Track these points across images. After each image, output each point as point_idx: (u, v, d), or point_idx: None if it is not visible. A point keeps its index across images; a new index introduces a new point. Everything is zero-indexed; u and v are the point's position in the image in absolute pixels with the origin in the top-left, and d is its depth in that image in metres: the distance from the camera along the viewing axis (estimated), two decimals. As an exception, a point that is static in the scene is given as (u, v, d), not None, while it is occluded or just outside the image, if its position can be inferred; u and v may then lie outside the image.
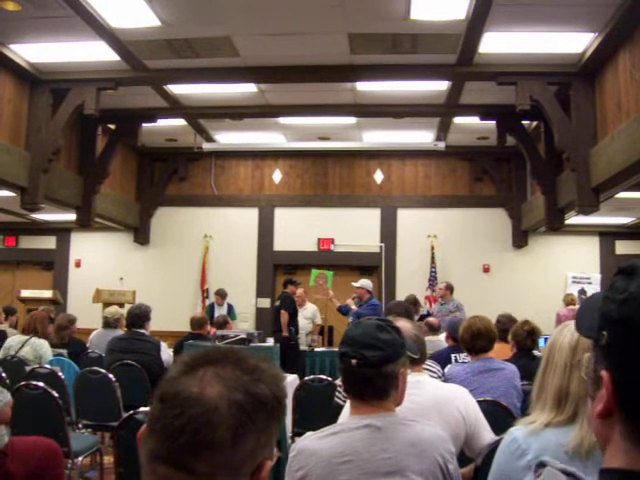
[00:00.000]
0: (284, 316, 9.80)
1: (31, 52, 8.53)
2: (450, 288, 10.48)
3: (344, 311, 9.82)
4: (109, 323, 7.81)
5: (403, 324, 3.12)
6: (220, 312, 11.05)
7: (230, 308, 11.64)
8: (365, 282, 9.71)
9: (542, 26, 7.45)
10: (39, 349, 6.45)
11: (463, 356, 5.39)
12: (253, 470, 1.09)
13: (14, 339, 6.60)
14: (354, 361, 2.20)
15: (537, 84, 8.63)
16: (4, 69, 8.67)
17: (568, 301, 11.05)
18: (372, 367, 2.21)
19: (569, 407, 1.82)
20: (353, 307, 9.50)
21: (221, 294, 11.70)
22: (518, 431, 1.89)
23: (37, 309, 8.77)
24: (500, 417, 3.64)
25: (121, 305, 10.35)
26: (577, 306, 10.98)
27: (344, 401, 3.05)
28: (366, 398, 2.24)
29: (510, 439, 1.88)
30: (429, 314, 9.75)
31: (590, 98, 8.60)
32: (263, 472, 1.10)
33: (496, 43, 7.93)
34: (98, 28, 7.60)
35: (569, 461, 1.64)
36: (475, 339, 4.30)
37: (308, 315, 10.72)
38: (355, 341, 2.24)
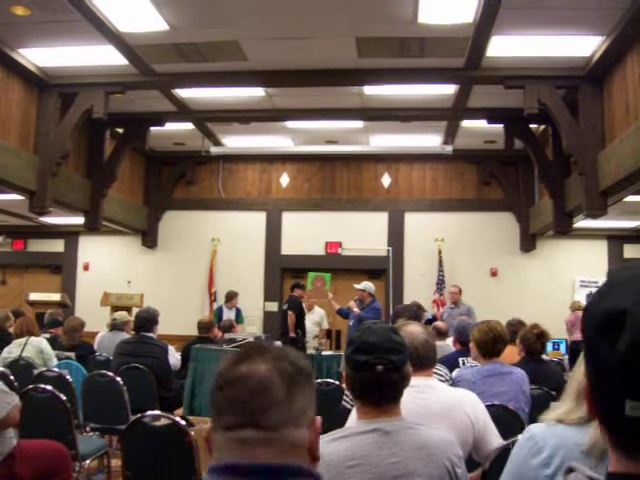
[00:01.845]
0: (291, 317, 9.81)
1: (40, 56, 8.57)
2: (461, 292, 10.51)
3: (344, 314, 9.79)
4: (116, 326, 7.84)
5: (414, 328, 3.12)
6: (228, 315, 11.06)
7: (238, 312, 11.64)
8: (367, 285, 9.62)
9: (550, 29, 7.44)
10: (39, 346, 6.55)
11: (471, 360, 5.38)
12: (308, 423, 1.38)
13: (12, 345, 6.63)
14: (380, 367, 2.18)
15: (545, 88, 8.62)
16: (13, 73, 8.71)
17: (575, 307, 11.02)
18: (397, 371, 2.21)
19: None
20: (355, 310, 9.43)
21: (230, 296, 11.66)
22: (536, 428, 1.87)
23: (45, 312, 8.85)
24: (508, 422, 3.63)
25: (129, 308, 10.39)
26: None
27: (352, 405, 3.05)
28: (382, 403, 2.23)
29: (527, 436, 1.87)
30: (434, 319, 9.74)
31: (598, 101, 8.58)
32: (316, 424, 1.40)
33: (504, 47, 7.92)
34: (106, 32, 7.63)
35: (585, 460, 1.63)
36: (496, 343, 4.29)
37: (316, 319, 10.71)
38: (375, 347, 2.22)
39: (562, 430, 1.79)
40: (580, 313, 10.87)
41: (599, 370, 0.91)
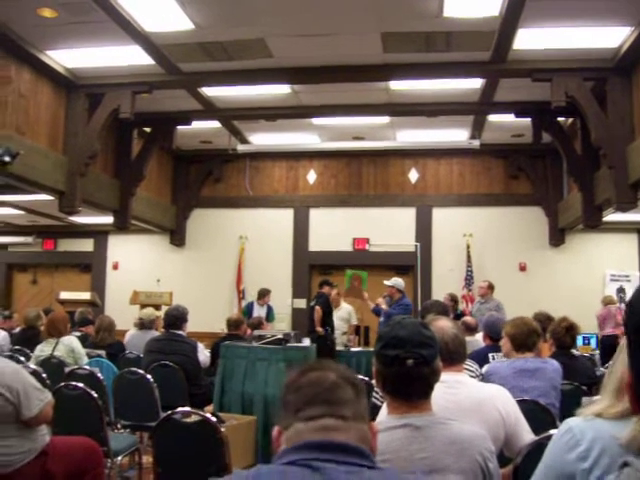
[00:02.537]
0: (317, 312, 9.84)
1: (67, 57, 8.65)
2: (492, 287, 10.45)
3: (377, 312, 9.80)
4: (144, 324, 7.89)
5: (444, 323, 3.11)
6: (259, 312, 11.07)
7: (270, 309, 11.63)
8: (397, 281, 9.65)
9: (577, 21, 7.36)
10: (70, 345, 6.63)
11: (500, 355, 5.35)
12: (368, 420, 1.62)
13: (44, 343, 6.70)
14: (410, 361, 2.17)
15: (573, 80, 8.53)
16: (42, 75, 8.80)
17: (607, 301, 10.91)
18: (428, 365, 2.20)
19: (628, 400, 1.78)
20: (383, 306, 9.45)
21: (262, 294, 11.67)
22: (574, 421, 1.85)
23: (76, 311, 8.94)
24: (539, 417, 3.60)
25: (158, 307, 10.46)
26: (615, 305, 10.84)
27: (382, 402, 3.05)
28: (413, 398, 2.23)
29: (565, 429, 1.84)
30: (463, 314, 9.70)
31: (627, 93, 8.48)
32: (373, 427, 1.63)
33: (530, 39, 7.85)
34: (133, 32, 7.68)
35: (623, 454, 1.61)
36: (529, 337, 4.26)
37: (344, 316, 10.70)
38: (405, 341, 2.21)
39: (600, 424, 1.77)
40: (612, 307, 10.77)
41: None
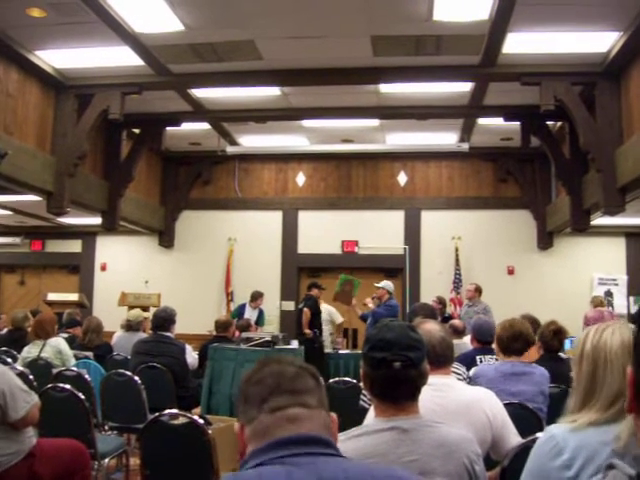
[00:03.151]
0: (306, 314, 9.85)
1: (56, 58, 8.61)
2: (479, 290, 10.47)
3: (365, 318, 9.86)
4: (132, 326, 7.87)
5: (431, 326, 3.11)
6: (251, 315, 11.03)
7: (261, 313, 11.54)
8: (387, 283, 9.81)
9: (566, 25, 7.39)
10: (57, 346, 6.61)
11: (488, 358, 5.36)
12: (327, 411, 1.62)
13: (31, 346, 6.67)
14: (397, 364, 2.17)
15: (561, 84, 8.57)
16: (30, 75, 8.76)
17: (597, 303, 10.86)
18: (415, 367, 2.20)
19: (618, 406, 1.78)
20: (371, 305, 9.56)
21: (255, 296, 11.62)
22: (557, 429, 1.84)
23: (63, 312, 8.91)
24: (526, 420, 3.61)
25: (146, 308, 10.44)
26: (605, 308, 10.85)
27: (369, 404, 3.05)
28: (400, 400, 2.23)
29: (547, 437, 1.84)
30: (451, 317, 9.74)
31: (615, 98, 8.52)
32: (333, 416, 1.64)
33: (520, 43, 7.88)
34: (122, 33, 7.66)
35: (618, 459, 1.61)
36: (513, 340, 4.27)
37: (324, 317, 10.71)
38: (393, 344, 2.21)
39: (584, 432, 1.77)
40: (605, 312, 10.77)
41: None
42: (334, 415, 1.64)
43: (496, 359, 5.14)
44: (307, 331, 9.74)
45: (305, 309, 9.93)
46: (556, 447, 1.77)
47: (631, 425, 1.50)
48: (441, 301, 10.00)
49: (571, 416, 1.88)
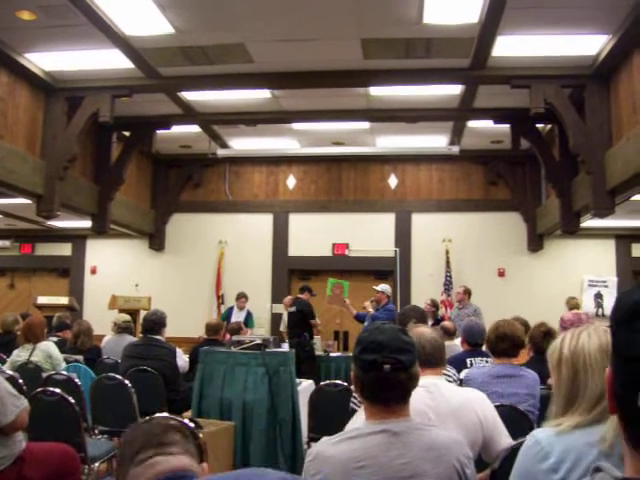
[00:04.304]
0: (316, 325, 10.30)
1: (46, 61, 8.59)
2: (468, 292, 10.49)
3: (361, 318, 9.86)
4: (122, 329, 7.86)
5: (423, 329, 3.12)
6: (238, 317, 11.04)
7: (249, 315, 11.58)
8: (385, 287, 9.91)
9: (555, 29, 7.42)
10: (47, 350, 6.57)
11: (478, 360, 5.38)
12: (199, 461, 1.75)
13: (20, 350, 6.64)
14: (388, 366, 2.17)
15: (551, 87, 8.59)
16: (20, 78, 8.73)
17: (572, 305, 10.75)
18: (405, 370, 2.20)
19: (601, 407, 1.78)
20: (370, 309, 9.57)
21: (238, 296, 11.65)
22: (541, 433, 1.85)
23: (53, 316, 8.87)
24: (517, 422, 3.62)
25: (136, 311, 10.41)
26: (582, 310, 10.82)
27: (359, 406, 3.05)
28: (391, 403, 2.22)
29: (532, 441, 1.85)
30: (442, 319, 9.75)
31: (605, 100, 8.55)
32: (205, 467, 1.75)
33: (509, 46, 7.90)
34: (112, 36, 7.65)
35: (604, 460, 1.61)
36: (499, 341, 4.29)
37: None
38: (383, 346, 2.21)
39: (570, 435, 1.78)
40: (582, 315, 10.73)
41: (622, 359, 0.90)
42: (205, 466, 1.76)
43: (487, 361, 5.17)
44: (316, 322, 10.29)
45: (312, 322, 10.16)
46: (542, 451, 1.77)
47: (616, 425, 1.50)
48: (434, 304, 10.03)
49: (555, 420, 1.88)
